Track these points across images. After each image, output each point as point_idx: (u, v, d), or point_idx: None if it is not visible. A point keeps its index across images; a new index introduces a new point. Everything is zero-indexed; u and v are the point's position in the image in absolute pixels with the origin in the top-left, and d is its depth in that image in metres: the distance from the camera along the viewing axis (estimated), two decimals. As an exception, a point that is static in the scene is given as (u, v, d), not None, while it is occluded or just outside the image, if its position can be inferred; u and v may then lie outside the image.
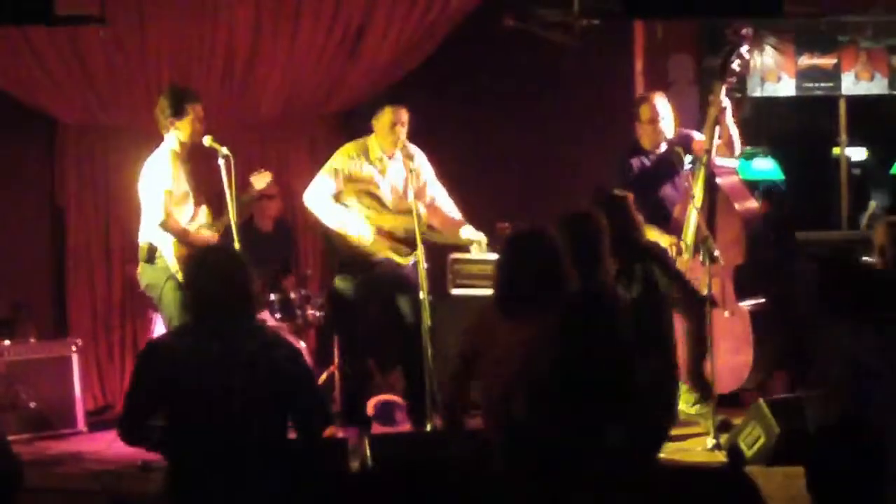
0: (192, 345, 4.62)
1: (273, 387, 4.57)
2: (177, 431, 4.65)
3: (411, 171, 7.11)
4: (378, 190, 7.26)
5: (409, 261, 7.16)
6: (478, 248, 7.25)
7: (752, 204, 7.66)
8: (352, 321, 7.40)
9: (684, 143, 7.41)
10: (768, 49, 8.97)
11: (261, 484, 4.57)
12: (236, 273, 4.71)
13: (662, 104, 7.40)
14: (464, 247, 7.49)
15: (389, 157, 7.22)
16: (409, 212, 7.05)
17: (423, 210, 7.24)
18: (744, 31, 7.33)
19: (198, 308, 4.72)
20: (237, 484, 4.54)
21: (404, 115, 7.18)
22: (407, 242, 7.17)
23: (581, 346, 4.50)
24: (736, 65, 7.32)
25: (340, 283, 7.34)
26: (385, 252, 7.23)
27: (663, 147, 7.38)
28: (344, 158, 7.29)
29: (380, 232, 7.23)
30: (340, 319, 7.51)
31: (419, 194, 7.28)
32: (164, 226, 6.91)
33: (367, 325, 7.44)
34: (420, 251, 6.98)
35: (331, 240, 7.37)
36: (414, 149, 7.32)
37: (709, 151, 7.26)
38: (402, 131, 7.17)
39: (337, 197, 7.26)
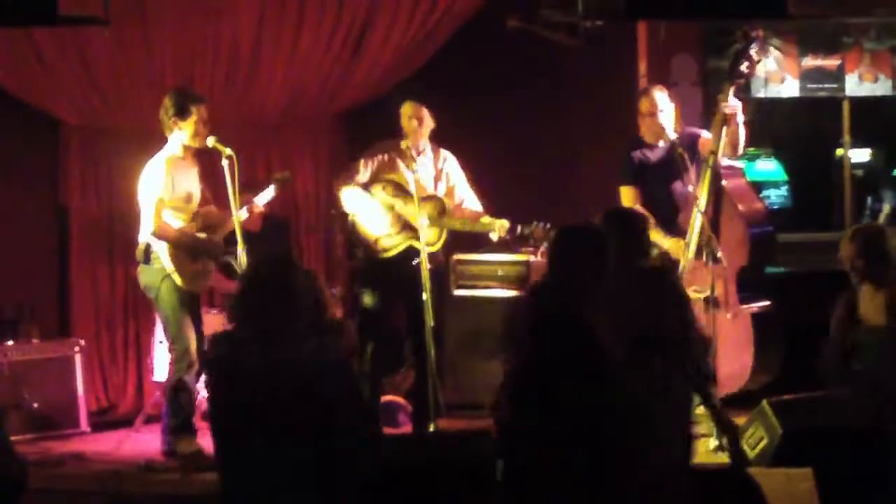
0: (235, 353, 4.67)
1: (317, 395, 4.58)
2: (226, 442, 4.68)
3: (413, 170, 7.21)
4: (405, 181, 7.32)
5: (434, 249, 7.25)
6: (501, 231, 7.23)
7: (758, 205, 7.65)
8: (376, 329, 7.44)
9: (691, 141, 7.40)
10: (772, 50, 8.95)
11: (306, 492, 4.58)
12: (284, 280, 4.74)
13: (662, 97, 7.41)
14: (480, 239, 7.49)
15: (417, 153, 7.32)
16: (431, 198, 7.24)
17: (447, 199, 7.38)
18: (753, 33, 7.33)
19: (242, 314, 4.76)
20: (284, 491, 4.55)
21: (421, 112, 7.35)
22: (429, 231, 7.23)
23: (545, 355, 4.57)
24: (745, 66, 7.31)
25: (364, 296, 7.44)
26: (408, 243, 7.28)
27: (670, 138, 7.35)
28: (375, 150, 7.45)
29: (403, 224, 7.28)
30: (366, 328, 7.52)
31: (448, 196, 7.39)
32: (156, 235, 6.98)
33: (391, 329, 7.48)
34: (423, 252, 7.00)
35: (354, 239, 7.44)
36: (446, 153, 7.52)
37: (715, 153, 7.24)
38: (418, 126, 7.32)
39: (364, 186, 7.39)
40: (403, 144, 7.33)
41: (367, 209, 7.39)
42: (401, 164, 7.37)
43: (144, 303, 8.04)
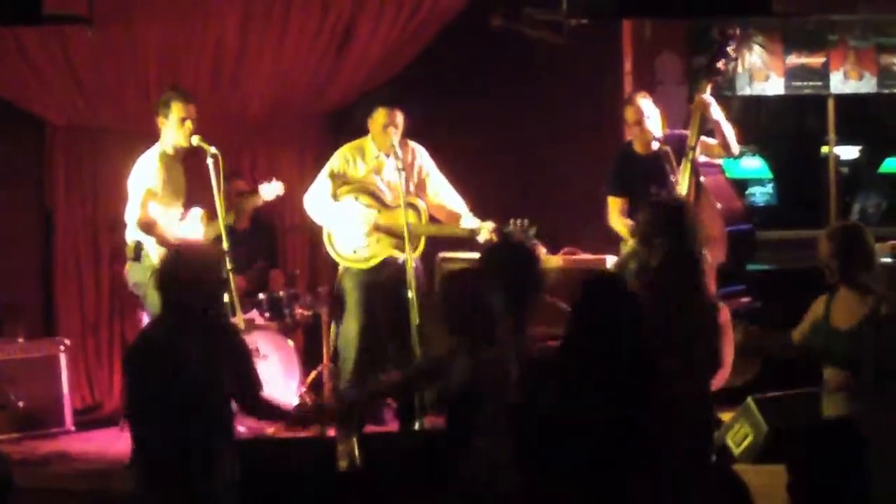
0: (156, 341, 4.86)
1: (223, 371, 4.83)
2: (146, 426, 4.83)
3: (400, 170, 7.10)
4: (376, 188, 7.26)
5: (416, 255, 7.14)
6: (486, 233, 7.15)
7: (735, 203, 7.65)
8: (357, 329, 7.35)
9: (679, 143, 7.39)
10: (756, 48, 8.97)
11: (218, 470, 4.75)
12: (193, 271, 4.90)
13: (646, 104, 7.39)
14: (467, 240, 7.42)
15: (387, 156, 7.22)
16: (408, 206, 7.06)
17: (423, 205, 7.25)
18: (730, 31, 7.35)
19: (163, 304, 4.94)
20: (198, 470, 4.71)
21: (398, 118, 7.17)
22: (409, 238, 7.11)
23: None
24: (721, 63, 7.33)
25: (348, 298, 7.31)
26: (388, 252, 7.21)
27: (655, 146, 7.37)
28: (340, 160, 7.31)
29: (381, 229, 7.21)
30: (350, 329, 7.44)
31: (421, 190, 7.29)
32: (140, 224, 6.97)
33: (372, 328, 7.41)
34: (409, 250, 6.98)
35: (333, 251, 7.36)
36: (414, 145, 7.34)
37: (693, 148, 7.25)
38: (395, 133, 7.15)
39: (335, 198, 7.26)
40: (370, 153, 7.24)
41: (341, 222, 7.25)
42: (369, 171, 7.26)
43: (129, 302, 8.04)
